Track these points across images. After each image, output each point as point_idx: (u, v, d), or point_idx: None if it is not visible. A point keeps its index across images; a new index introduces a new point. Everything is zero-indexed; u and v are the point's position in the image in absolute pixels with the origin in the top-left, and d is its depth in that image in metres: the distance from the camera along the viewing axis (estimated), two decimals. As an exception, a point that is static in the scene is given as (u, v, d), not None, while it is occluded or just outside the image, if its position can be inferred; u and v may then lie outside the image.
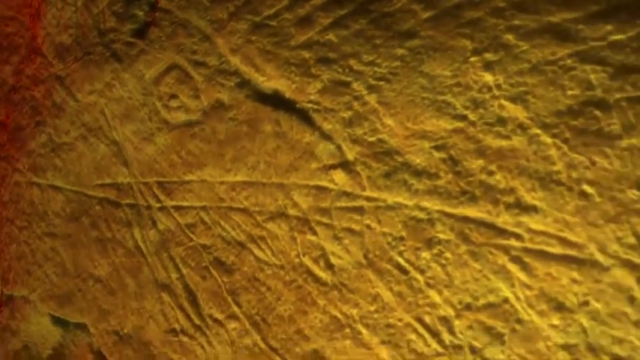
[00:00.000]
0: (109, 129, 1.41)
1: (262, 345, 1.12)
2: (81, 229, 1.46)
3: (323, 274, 1.05)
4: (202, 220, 1.23)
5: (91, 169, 1.43)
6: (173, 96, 1.28)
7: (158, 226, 1.29)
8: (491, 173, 0.93)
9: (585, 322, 0.87)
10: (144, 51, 1.35)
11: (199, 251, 1.23)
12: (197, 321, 1.23)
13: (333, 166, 1.04)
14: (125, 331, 1.34)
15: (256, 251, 1.14)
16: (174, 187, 1.28)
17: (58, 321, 1.47)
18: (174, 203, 1.27)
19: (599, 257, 0.86)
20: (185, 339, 1.24)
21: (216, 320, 1.20)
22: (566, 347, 0.88)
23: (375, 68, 1.04)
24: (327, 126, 1.07)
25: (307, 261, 1.07)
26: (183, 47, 1.28)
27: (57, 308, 1.50)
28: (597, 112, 0.88)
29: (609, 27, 0.88)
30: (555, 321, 0.88)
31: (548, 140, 0.90)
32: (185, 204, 1.25)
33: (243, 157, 1.16)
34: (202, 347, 1.22)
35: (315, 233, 1.06)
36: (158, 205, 1.30)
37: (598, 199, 0.87)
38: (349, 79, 1.06)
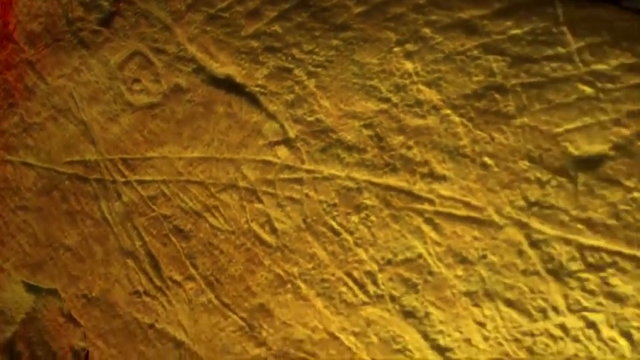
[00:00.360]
0: (77, 110, 1.55)
1: (216, 302, 1.28)
2: (52, 202, 1.59)
3: (268, 238, 1.21)
4: (163, 192, 1.37)
5: (60, 147, 1.57)
6: (136, 80, 1.42)
7: (123, 198, 1.44)
8: (409, 148, 1.10)
9: (484, 272, 1.05)
10: (109, 39, 1.49)
11: (160, 220, 1.38)
12: (158, 283, 1.38)
13: (277, 143, 1.20)
14: (93, 294, 1.49)
15: (211, 219, 1.29)
16: (137, 163, 1.42)
17: (30, 288, 1.60)
18: (137, 178, 1.42)
19: (496, 218, 1.04)
20: (148, 299, 1.40)
21: (175, 282, 1.35)
22: (468, 294, 1.06)
23: (314, 56, 1.19)
24: (272, 107, 1.22)
25: (255, 226, 1.23)
26: (145, 36, 1.42)
27: (30, 276, 1.64)
28: (497, 96, 1.05)
29: (509, 22, 1.05)
30: (459, 272, 1.06)
31: (457, 119, 1.07)
32: (147, 178, 1.40)
33: (199, 135, 1.31)
34: (163, 306, 1.37)
35: (261, 202, 1.22)
36: (123, 179, 1.45)
37: (496, 169, 1.04)
38: (291, 66, 1.21)
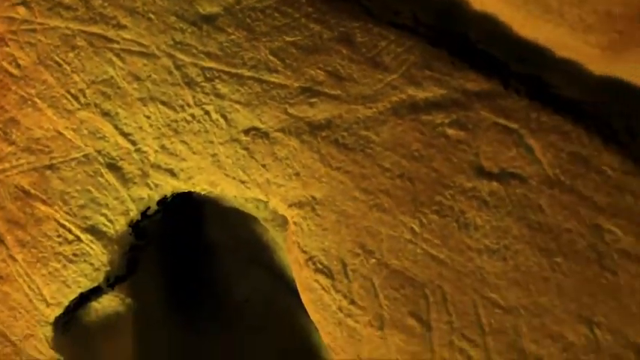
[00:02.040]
0: None
1: (-21, 119, 1.90)
2: None
3: (14, 71, 1.85)
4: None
5: None
6: None
7: None
8: (105, 7, 1.79)
9: (149, 85, 1.77)
10: None
11: None
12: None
13: (17, 4, 1.83)
14: None
15: (-26, 62, 1.89)
16: None
17: None
18: None
19: (156, 52, 1.77)
20: None
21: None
22: (140, 99, 1.78)
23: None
24: (14, -20, 1.84)
25: (5, 64, 1.86)
26: None
27: None
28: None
29: None
30: (135, 85, 1.78)
31: (133, -10, 1.77)
32: None
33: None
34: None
35: (8, 46, 1.85)
36: None
37: (156, 21, 1.77)
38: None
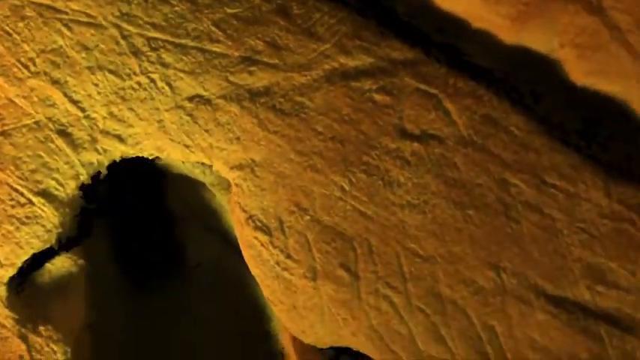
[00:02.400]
0: None
1: None
2: None
3: None
4: None
5: None
6: None
7: None
8: None
9: (97, 55, 1.86)
10: None
11: None
12: None
13: None
14: None
15: None
16: None
17: None
18: None
19: (104, 22, 1.87)
20: None
21: None
22: (89, 68, 1.87)
23: None
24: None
25: None
26: None
27: None
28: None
29: None
30: (83, 55, 1.87)
31: (80, -38, 1.86)
32: None
33: None
34: None
35: None
36: None
37: None
38: None
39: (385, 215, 1.61)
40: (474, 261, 1.52)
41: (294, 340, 1.86)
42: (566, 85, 1.50)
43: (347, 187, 1.65)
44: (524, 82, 1.55)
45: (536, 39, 1.52)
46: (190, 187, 2.21)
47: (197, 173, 2.03)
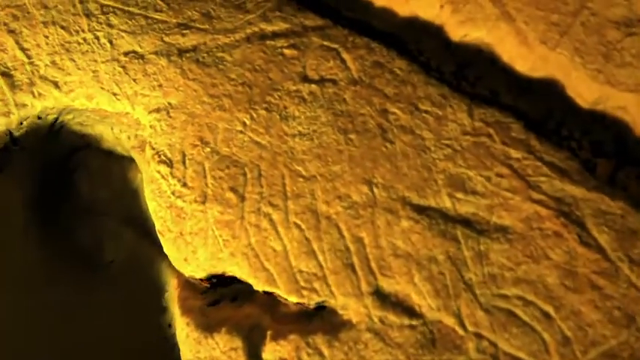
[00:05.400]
0: None
1: None
2: None
3: None
4: None
5: None
6: None
7: None
8: None
9: (55, 14, 2.21)
10: None
11: None
12: None
13: None
14: None
15: None
16: None
17: None
18: None
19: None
20: None
21: None
22: (44, 23, 2.21)
23: None
24: None
25: None
26: None
27: None
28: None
29: None
30: (41, 11, 2.22)
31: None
32: None
33: None
34: None
35: None
36: None
37: None
38: None
39: (278, 144, 1.79)
40: (350, 178, 1.67)
41: (179, 291, 1.91)
42: (446, 41, 1.79)
43: (248, 122, 1.86)
44: (412, 41, 1.84)
45: (424, 8, 1.85)
46: (116, 172, 2.38)
47: (123, 139, 2.23)
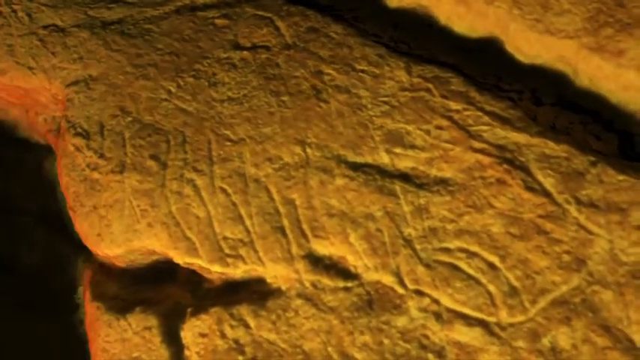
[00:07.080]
0: None
1: None
2: None
3: None
4: None
5: None
6: None
7: None
8: None
9: None
10: None
11: None
12: None
13: None
14: None
15: None
16: None
17: None
18: None
19: None
20: None
21: None
22: None
23: None
24: None
25: None
26: None
27: None
28: None
29: None
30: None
31: None
32: None
33: None
34: None
35: None
36: None
37: None
38: None
39: (205, 110, 1.69)
40: (282, 139, 1.57)
41: (90, 276, 1.74)
42: (383, 8, 1.75)
43: (174, 90, 1.75)
44: (347, 10, 1.79)
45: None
46: (23, 168, 2.23)
47: (39, 123, 2.08)
